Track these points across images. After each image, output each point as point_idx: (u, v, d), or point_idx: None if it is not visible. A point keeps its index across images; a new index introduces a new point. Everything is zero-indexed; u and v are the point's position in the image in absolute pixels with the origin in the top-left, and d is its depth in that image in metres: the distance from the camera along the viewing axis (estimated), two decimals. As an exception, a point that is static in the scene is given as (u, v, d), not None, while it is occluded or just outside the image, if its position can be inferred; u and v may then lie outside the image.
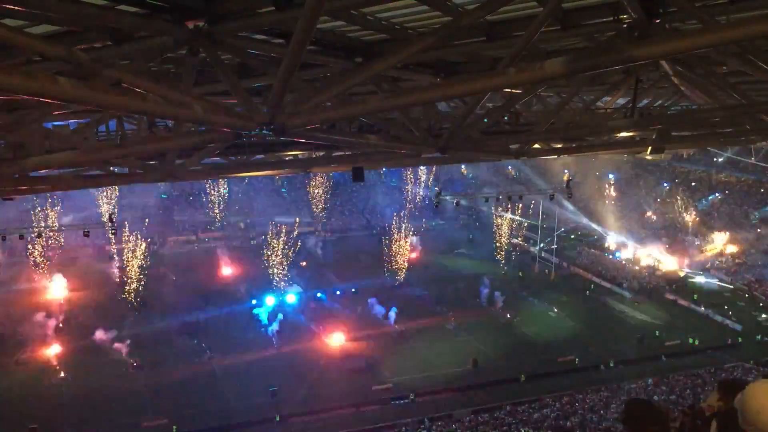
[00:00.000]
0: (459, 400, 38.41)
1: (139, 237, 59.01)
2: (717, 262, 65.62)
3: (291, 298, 54.36)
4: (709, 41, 3.67)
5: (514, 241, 71.48)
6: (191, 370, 42.05)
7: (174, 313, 50.57)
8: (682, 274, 63.69)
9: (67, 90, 3.64)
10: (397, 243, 61.70)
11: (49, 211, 65.56)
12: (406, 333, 48.31)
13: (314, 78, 9.01)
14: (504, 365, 43.09)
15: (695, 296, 56.99)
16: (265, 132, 5.31)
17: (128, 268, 55.99)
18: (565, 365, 43.08)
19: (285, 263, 59.71)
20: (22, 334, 45.46)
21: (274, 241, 60.35)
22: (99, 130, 14.16)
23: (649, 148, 13.07)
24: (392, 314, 50.40)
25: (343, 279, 60.92)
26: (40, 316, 47.03)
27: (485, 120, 12.33)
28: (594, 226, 77.01)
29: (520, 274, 64.32)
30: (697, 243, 69.90)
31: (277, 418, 35.75)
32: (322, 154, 15.65)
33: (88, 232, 44.69)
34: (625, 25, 6.16)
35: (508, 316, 52.33)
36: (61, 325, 46.69)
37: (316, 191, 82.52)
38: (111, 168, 12.70)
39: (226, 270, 64.31)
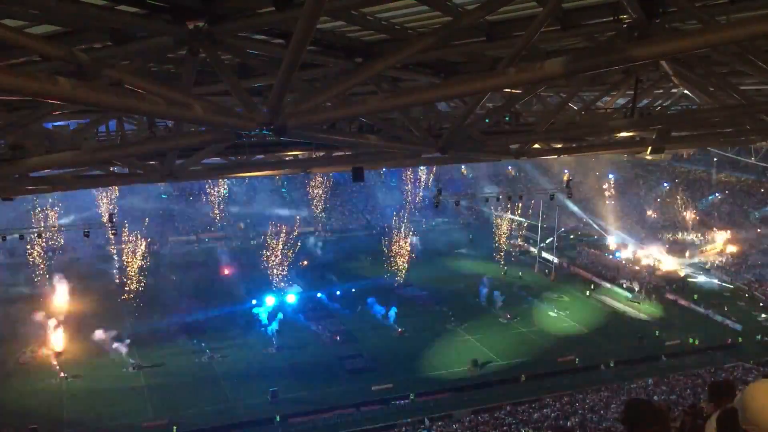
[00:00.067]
0: (459, 399, 38.47)
1: (139, 237, 59.03)
2: (717, 262, 65.64)
3: (291, 298, 54.37)
4: (709, 41, 3.67)
5: (514, 241, 71.55)
6: (191, 370, 42.08)
7: (174, 313, 50.57)
8: (682, 274, 63.68)
9: (67, 90, 3.64)
10: (397, 243, 61.71)
11: (49, 211, 65.52)
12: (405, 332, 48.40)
13: (314, 78, 9.00)
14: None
15: (695, 296, 56.99)
16: (265, 132, 5.31)
17: (128, 269, 55.98)
18: (565, 365, 43.08)
19: (285, 263, 59.73)
20: (22, 335, 45.47)
21: (274, 241, 60.37)
22: (99, 130, 14.14)
23: (649, 148, 13.09)
24: (392, 314, 50.46)
25: (343, 279, 60.92)
26: (40, 316, 47.02)
27: (486, 120, 12.32)
28: (594, 226, 77.02)
29: (520, 274, 64.34)
30: (697, 243, 69.93)
31: (277, 419, 35.73)
32: (322, 154, 15.63)
33: (88, 232, 44.67)
34: (625, 25, 6.17)
35: (508, 316, 52.35)
36: (61, 326, 46.63)
37: (316, 191, 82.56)
38: (111, 168, 12.72)
39: (226, 270, 64.30)
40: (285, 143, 13.43)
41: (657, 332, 48.96)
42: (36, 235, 52.10)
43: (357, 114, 7.97)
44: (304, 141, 12.56)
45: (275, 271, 58.65)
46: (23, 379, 40.24)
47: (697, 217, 73.13)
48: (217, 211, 79.93)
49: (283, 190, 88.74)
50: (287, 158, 15.19)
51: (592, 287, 60.45)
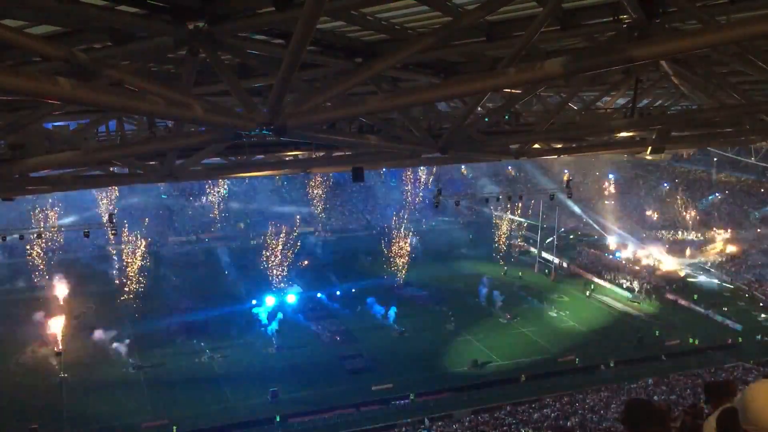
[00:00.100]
0: (459, 399, 38.47)
1: (139, 237, 59.02)
2: (717, 262, 65.64)
3: (291, 298, 54.38)
4: (709, 41, 3.67)
5: (515, 241, 71.54)
6: (191, 370, 42.07)
7: (174, 313, 50.57)
8: (682, 274, 63.71)
9: (67, 90, 3.64)
10: (397, 243, 61.70)
11: (49, 211, 65.52)
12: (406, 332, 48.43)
13: (314, 78, 9.00)
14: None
15: (695, 296, 57.00)
16: (265, 132, 5.31)
17: (128, 269, 55.97)
18: (565, 365, 43.08)
19: (285, 263, 59.71)
20: (22, 335, 45.46)
21: (274, 241, 60.36)
22: (99, 131, 14.15)
23: (649, 148, 13.09)
24: (392, 314, 50.46)
25: (342, 279, 60.94)
26: (39, 316, 47.03)
27: (485, 119, 12.33)
28: (594, 226, 77.03)
29: (520, 274, 64.33)
30: (697, 243, 69.92)
31: (278, 419, 35.73)
32: (322, 154, 15.63)
33: (88, 232, 44.67)
34: (625, 25, 6.17)
35: (508, 316, 52.35)
36: (61, 326, 46.61)
37: (316, 191, 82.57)
38: (111, 168, 12.72)
39: (226, 270, 64.28)
40: (285, 143, 13.42)
41: (657, 332, 48.95)
42: (36, 235, 52.09)
43: (357, 114, 7.96)
44: (304, 141, 12.55)
45: (275, 271, 58.64)
46: (23, 379, 40.22)
47: (698, 217, 73.12)
48: (217, 212, 79.95)
49: (283, 190, 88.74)
50: (287, 158, 15.18)
51: (592, 287, 60.47)
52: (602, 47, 6.26)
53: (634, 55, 3.81)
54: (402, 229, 63.10)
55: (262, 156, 13.83)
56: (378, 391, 39.03)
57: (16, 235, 47.89)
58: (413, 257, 63.30)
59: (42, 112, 8.68)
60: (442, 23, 6.16)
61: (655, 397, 34.99)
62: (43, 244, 58.68)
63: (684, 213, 73.87)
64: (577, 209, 77.74)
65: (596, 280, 62.62)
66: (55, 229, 62.11)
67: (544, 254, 69.38)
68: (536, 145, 12.98)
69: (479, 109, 11.38)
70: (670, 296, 57.78)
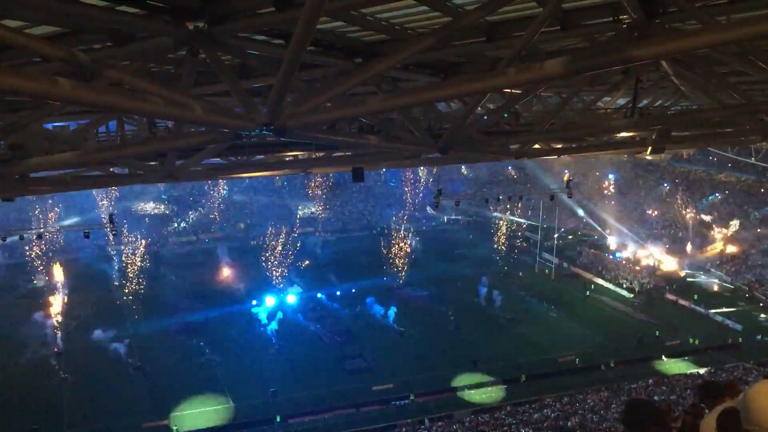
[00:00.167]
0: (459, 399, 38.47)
1: (139, 238, 59.01)
2: (717, 262, 65.60)
3: (291, 299, 54.38)
4: (709, 41, 3.67)
5: (515, 241, 71.51)
6: (191, 370, 42.07)
7: (174, 313, 50.56)
8: (682, 274, 63.67)
9: (67, 91, 3.64)
10: (397, 243, 61.69)
11: (49, 212, 65.50)
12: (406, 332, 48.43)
13: (314, 78, 9.00)
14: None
15: (695, 296, 56.97)
16: (265, 132, 5.30)
17: (128, 269, 55.95)
18: (565, 365, 43.07)
19: (285, 264, 59.69)
20: (22, 335, 45.44)
21: (274, 241, 60.33)
22: (99, 131, 14.14)
23: (649, 148, 13.08)
24: (391, 314, 50.44)
25: (342, 279, 60.92)
26: (39, 316, 47.02)
27: (485, 118, 12.33)
28: (594, 226, 77.00)
29: (520, 274, 64.31)
30: (698, 243, 69.86)
31: (278, 419, 35.74)
32: (322, 154, 15.62)
33: (88, 233, 44.62)
34: (625, 25, 6.17)
35: (508, 316, 52.32)
36: (61, 326, 46.64)
37: (316, 191, 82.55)
38: (111, 168, 12.71)
39: (226, 270, 64.29)
40: (285, 143, 13.42)
41: (657, 332, 48.95)
42: (36, 236, 52.08)
43: (357, 114, 7.95)
44: (304, 141, 12.55)
45: (275, 271, 58.62)
46: (23, 379, 40.21)
47: (698, 217, 73.04)
48: (217, 212, 79.92)
49: (283, 190, 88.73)
50: (287, 158, 15.18)
51: (593, 287, 60.40)
52: (602, 47, 6.26)
53: (634, 55, 3.81)
54: (402, 230, 63.04)
55: (262, 156, 13.83)
56: (378, 392, 39.04)
57: (16, 236, 47.87)
58: (413, 257, 63.29)
59: (42, 113, 8.68)
60: (442, 23, 6.16)
61: (655, 397, 34.97)
62: (43, 245, 58.66)
63: (684, 213, 73.80)
64: (577, 209, 77.71)
65: (596, 280, 62.59)
66: (55, 229, 62.07)
67: (545, 254, 69.38)
68: (536, 145, 13.00)
69: (479, 109, 11.37)
70: (670, 296, 57.76)
